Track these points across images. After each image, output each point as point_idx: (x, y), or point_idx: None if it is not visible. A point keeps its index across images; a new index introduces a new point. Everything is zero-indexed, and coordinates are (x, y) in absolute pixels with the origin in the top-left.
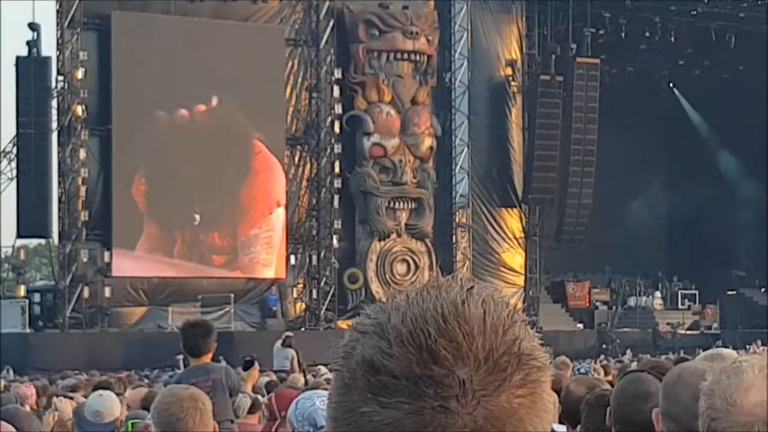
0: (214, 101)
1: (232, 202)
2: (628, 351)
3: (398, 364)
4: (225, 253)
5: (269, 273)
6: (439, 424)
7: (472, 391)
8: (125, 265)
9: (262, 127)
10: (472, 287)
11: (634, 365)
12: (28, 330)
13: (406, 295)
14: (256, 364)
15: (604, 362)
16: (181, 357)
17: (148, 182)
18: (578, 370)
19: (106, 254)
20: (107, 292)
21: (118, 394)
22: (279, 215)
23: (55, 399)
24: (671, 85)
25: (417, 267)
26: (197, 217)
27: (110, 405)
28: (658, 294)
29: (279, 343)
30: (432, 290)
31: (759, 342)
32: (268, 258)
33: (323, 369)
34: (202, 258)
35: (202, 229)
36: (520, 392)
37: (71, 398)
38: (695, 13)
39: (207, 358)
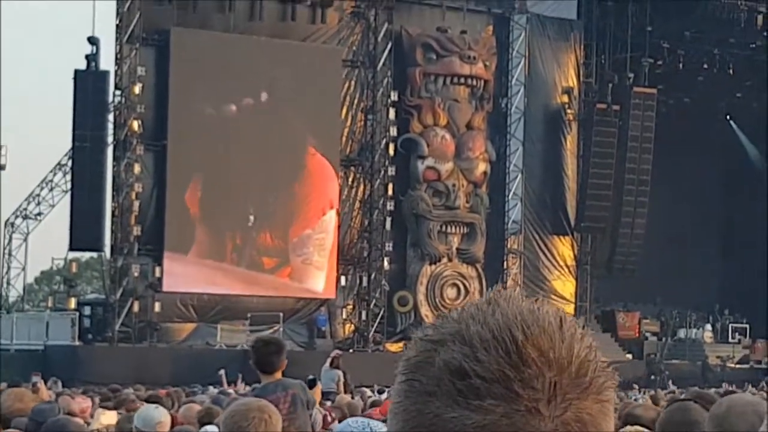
0: (267, 106)
1: (286, 200)
2: (670, 382)
3: (488, 368)
4: (276, 255)
5: (320, 277)
6: (531, 427)
7: (562, 394)
8: (176, 270)
9: (317, 142)
10: (537, 299)
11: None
12: (77, 342)
13: (476, 306)
14: (319, 383)
15: (652, 393)
16: (223, 372)
17: (203, 187)
18: (635, 399)
19: (157, 269)
20: (157, 307)
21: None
22: (332, 218)
23: (98, 410)
24: (728, 117)
25: (467, 292)
26: (251, 218)
27: (165, 419)
28: (708, 327)
29: (327, 363)
30: (502, 300)
31: None
32: (321, 261)
33: (368, 392)
34: (252, 263)
35: (254, 229)
36: (600, 397)
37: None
38: (754, 46)
39: (279, 375)
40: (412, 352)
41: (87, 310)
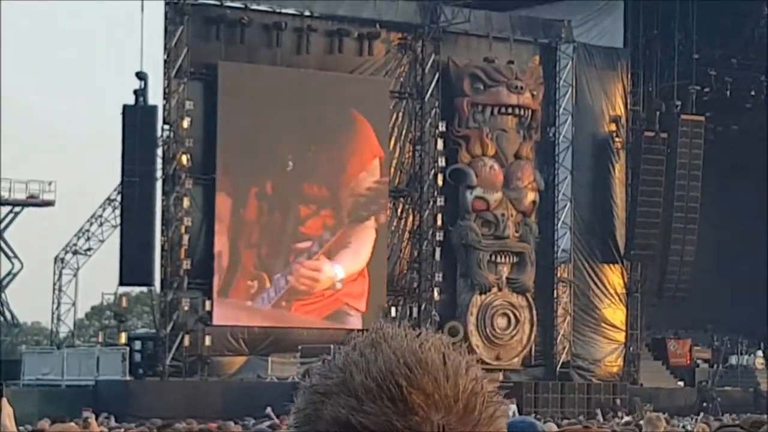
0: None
1: (334, 151)
2: (726, 416)
3: (375, 420)
4: (318, 203)
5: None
6: None
7: None
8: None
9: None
10: (419, 333)
11: None
12: (128, 377)
13: (358, 351)
14: None
15: (704, 421)
16: (269, 410)
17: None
18: (683, 427)
19: (207, 303)
20: (207, 340)
21: None
22: (376, 166)
23: None
24: None
25: (518, 321)
26: (290, 163)
27: None
28: (760, 353)
29: None
30: (383, 342)
31: None
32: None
33: None
34: (292, 206)
35: (294, 178)
36: (491, 429)
37: None
38: None
39: None
40: (302, 404)
41: (137, 345)
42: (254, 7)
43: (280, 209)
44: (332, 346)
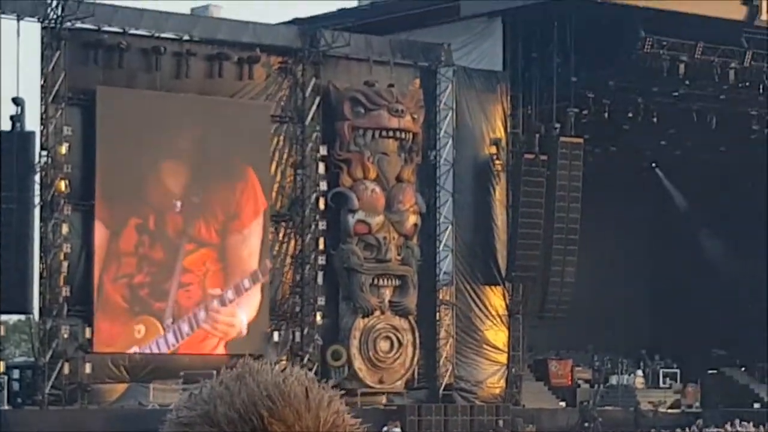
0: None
1: (223, 191)
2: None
3: None
4: (198, 242)
5: (254, 263)
6: None
7: None
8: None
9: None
10: (284, 368)
11: None
12: (6, 407)
13: (224, 384)
14: None
15: None
16: None
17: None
18: None
19: (87, 330)
20: (88, 368)
21: None
22: (261, 218)
23: None
24: (654, 164)
25: (400, 344)
26: (178, 204)
27: None
28: (639, 372)
29: None
30: (248, 375)
31: (738, 420)
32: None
33: None
34: (176, 243)
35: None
36: None
37: None
38: (677, 94)
39: None
40: None
41: (16, 374)
42: (132, 31)
43: (162, 243)
44: (215, 372)
